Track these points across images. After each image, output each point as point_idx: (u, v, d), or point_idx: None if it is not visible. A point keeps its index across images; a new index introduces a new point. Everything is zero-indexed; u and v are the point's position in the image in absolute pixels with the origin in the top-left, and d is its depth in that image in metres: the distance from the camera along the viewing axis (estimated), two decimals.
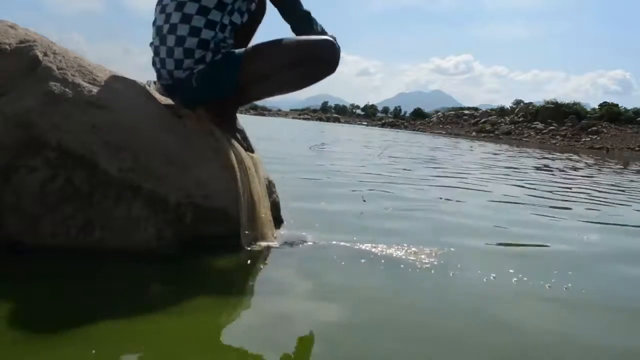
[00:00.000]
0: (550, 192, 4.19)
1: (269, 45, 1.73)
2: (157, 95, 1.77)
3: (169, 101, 1.76)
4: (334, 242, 1.80)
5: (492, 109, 34.17)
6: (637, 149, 18.26)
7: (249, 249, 1.62)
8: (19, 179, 1.39)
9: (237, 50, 1.74)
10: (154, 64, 1.77)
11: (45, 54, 1.56)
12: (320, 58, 1.74)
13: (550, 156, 11.22)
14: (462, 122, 31.74)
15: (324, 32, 1.81)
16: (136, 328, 1.06)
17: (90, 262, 1.39)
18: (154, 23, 1.75)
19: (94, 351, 0.95)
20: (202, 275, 1.46)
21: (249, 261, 1.57)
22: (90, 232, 1.43)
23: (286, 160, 4.68)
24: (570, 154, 13.37)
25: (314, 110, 67.73)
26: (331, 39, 1.74)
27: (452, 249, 1.85)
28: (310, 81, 1.79)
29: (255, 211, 1.69)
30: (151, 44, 1.76)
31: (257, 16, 1.93)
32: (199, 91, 1.69)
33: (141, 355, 0.98)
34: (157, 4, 1.75)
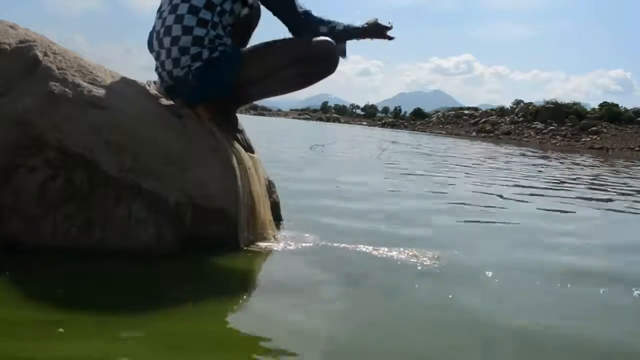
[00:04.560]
0: None
1: (269, 45, 1.74)
2: (157, 95, 1.77)
3: (169, 101, 1.77)
4: (334, 244, 1.79)
5: (492, 109, 34.12)
6: (637, 149, 18.26)
7: (248, 249, 1.62)
8: (19, 179, 1.39)
9: (236, 49, 1.74)
10: (156, 69, 1.80)
11: (45, 54, 1.56)
12: (319, 57, 1.75)
13: None
14: (462, 122, 31.71)
15: (322, 31, 1.80)
16: (135, 327, 1.06)
17: (90, 262, 1.39)
18: (154, 29, 1.77)
19: (93, 350, 0.95)
20: (202, 275, 1.46)
21: (248, 261, 1.57)
22: (90, 232, 1.43)
23: (286, 161, 4.68)
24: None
25: (314, 110, 67.69)
26: (330, 39, 1.75)
27: (454, 251, 1.84)
28: (310, 81, 1.79)
29: (255, 211, 1.69)
30: (152, 51, 1.78)
31: (252, 20, 1.94)
32: (198, 88, 1.70)
33: (140, 354, 0.98)
34: (157, 12, 1.78)
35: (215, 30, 1.69)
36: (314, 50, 1.73)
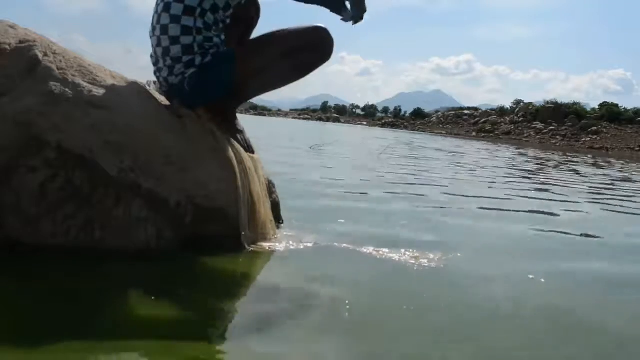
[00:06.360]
0: None
1: (260, 39, 1.74)
2: (157, 95, 1.77)
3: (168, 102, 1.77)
4: (335, 244, 1.79)
5: (492, 109, 34.16)
6: (637, 149, 18.26)
7: (249, 249, 1.62)
8: (19, 179, 1.39)
9: (228, 49, 1.74)
10: (154, 73, 1.80)
11: (45, 54, 1.56)
12: (313, 46, 1.74)
13: None
14: (462, 122, 31.74)
15: None
16: (135, 328, 1.06)
17: (90, 262, 1.39)
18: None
19: (93, 351, 0.95)
20: (202, 275, 1.46)
21: (248, 262, 1.57)
22: (90, 232, 1.43)
23: (286, 161, 4.68)
24: None
25: (314, 110, 67.70)
26: (323, 26, 1.74)
27: (458, 254, 1.83)
28: (306, 71, 1.78)
29: (255, 211, 1.69)
30: (151, 56, 1.79)
31: (252, 16, 1.94)
32: (195, 94, 1.71)
33: (140, 354, 0.98)
34: (152, 15, 1.78)
35: (201, 34, 1.68)
36: (309, 38, 1.72)
